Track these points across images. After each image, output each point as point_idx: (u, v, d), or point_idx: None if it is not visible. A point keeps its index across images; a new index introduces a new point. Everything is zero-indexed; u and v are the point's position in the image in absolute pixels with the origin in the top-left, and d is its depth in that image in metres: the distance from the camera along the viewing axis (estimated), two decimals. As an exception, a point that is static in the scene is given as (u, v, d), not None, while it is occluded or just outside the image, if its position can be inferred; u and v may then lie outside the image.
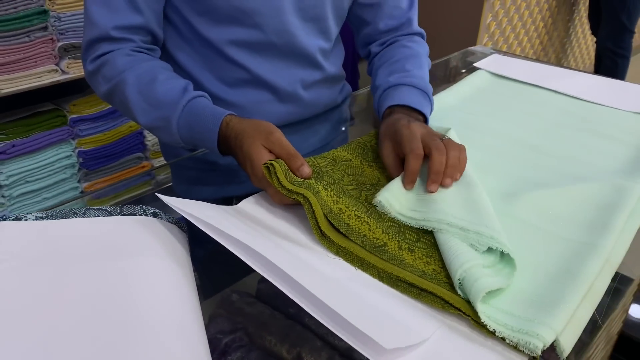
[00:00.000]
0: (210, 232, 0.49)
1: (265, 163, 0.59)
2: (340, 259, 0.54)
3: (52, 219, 0.51)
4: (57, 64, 1.48)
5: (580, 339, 0.46)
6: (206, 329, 0.59)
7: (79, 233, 0.49)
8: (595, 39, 2.98)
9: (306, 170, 0.60)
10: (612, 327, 0.90)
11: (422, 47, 0.88)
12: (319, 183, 0.60)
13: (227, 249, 0.48)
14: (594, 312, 0.48)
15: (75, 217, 0.51)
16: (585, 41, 3.36)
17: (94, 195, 1.32)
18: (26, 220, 0.50)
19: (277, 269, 0.45)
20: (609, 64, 2.80)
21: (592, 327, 0.49)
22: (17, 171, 1.49)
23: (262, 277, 0.57)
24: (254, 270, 0.57)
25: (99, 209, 0.53)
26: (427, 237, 0.57)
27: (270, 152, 0.62)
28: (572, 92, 0.94)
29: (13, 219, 0.50)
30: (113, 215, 0.52)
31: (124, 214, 0.53)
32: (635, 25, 2.69)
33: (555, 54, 3.13)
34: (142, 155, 1.77)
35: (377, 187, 0.66)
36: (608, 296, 0.52)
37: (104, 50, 0.73)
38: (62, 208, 0.53)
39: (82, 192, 1.66)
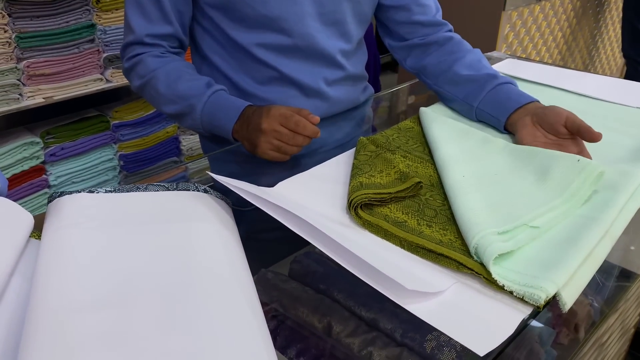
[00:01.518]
0: (255, 202, 0.56)
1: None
2: (367, 231, 0.60)
3: (119, 192, 0.59)
4: (102, 73, 1.59)
5: (591, 319, 0.51)
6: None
7: (142, 203, 0.57)
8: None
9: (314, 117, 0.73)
10: (627, 318, 0.93)
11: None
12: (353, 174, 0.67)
13: (262, 236, 0.55)
14: (595, 275, 0.54)
15: (139, 191, 0.59)
16: (606, 55, 3.36)
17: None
18: (98, 193, 0.58)
19: (316, 233, 0.52)
20: (632, 71, 2.83)
21: (602, 311, 0.54)
22: (65, 172, 1.60)
23: (295, 258, 0.64)
24: (288, 254, 0.64)
25: (158, 185, 0.60)
26: (443, 213, 0.63)
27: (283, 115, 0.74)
28: (581, 91, 0.99)
29: (87, 192, 0.58)
30: (170, 190, 0.60)
31: (180, 189, 0.60)
32: None
33: (575, 64, 3.15)
34: (178, 159, 1.87)
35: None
36: (620, 280, 0.56)
37: (137, 52, 0.87)
38: (127, 185, 0.60)
39: (121, 193, 1.76)
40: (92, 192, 0.58)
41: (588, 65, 3.29)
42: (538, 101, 0.82)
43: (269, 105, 0.78)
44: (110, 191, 0.58)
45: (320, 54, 0.90)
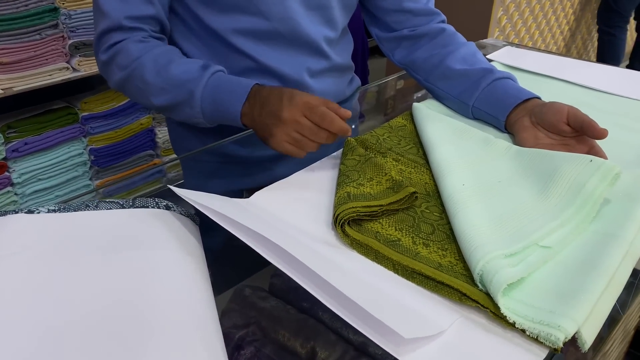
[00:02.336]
0: (222, 223, 0.48)
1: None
2: (355, 251, 0.53)
3: (64, 211, 0.50)
4: (68, 62, 1.48)
5: (598, 333, 0.45)
6: (220, 323, 0.58)
7: (91, 226, 0.49)
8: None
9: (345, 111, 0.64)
10: (629, 322, 0.88)
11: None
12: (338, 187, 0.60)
13: (240, 243, 0.48)
14: (615, 304, 0.47)
15: (88, 209, 0.51)
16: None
17: (105, 192, 1.33)
18: (38, 213, 0.50)
19: (290, 259, 0.45)
20: (600, 43, 3.04)
21: (611, 321, 0.48)
22: (30, 169, 1.50)
23: (275, 271, 0.56)
24: (267, 265, 0.57)
25: (111, 202, 0.52)
26: (442, 229, 0.56)
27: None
28: (586, 83, 0.93)
29: (25, 212, 0.49)
30: (125, 207, 0.52)
31: (137, 207, 0.52)
32: (622, 7, 2.83)
33: (567, 47, 3.09)
34: (153, 152, 1.78)
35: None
36: (626, 291, 0.50)
37: (116, 39, 0.74)
38: (74, 201, 0.52)
39: (94, 189, 1.67)
40: (32, 212, 0.49)
41: (582, 54, 3.24)
42: (538, 97, 0.75)
43: (288, 88, 0.67)
44: (54, 210, 0.50)
45: (303, 42, 0.81)
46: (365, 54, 2.33)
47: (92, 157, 1.63)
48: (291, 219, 0.58)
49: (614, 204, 0.58)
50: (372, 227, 0.56)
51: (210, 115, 0.72)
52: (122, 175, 1.67)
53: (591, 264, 0.49)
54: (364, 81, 2.36)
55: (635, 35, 2.99)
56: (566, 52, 3.10)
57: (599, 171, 0.58)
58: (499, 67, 0.99)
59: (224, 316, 0.57)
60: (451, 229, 0.56)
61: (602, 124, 0.66)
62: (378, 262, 0.52)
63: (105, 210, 0.51)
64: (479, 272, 0.47)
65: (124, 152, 1.67)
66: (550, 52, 1.08)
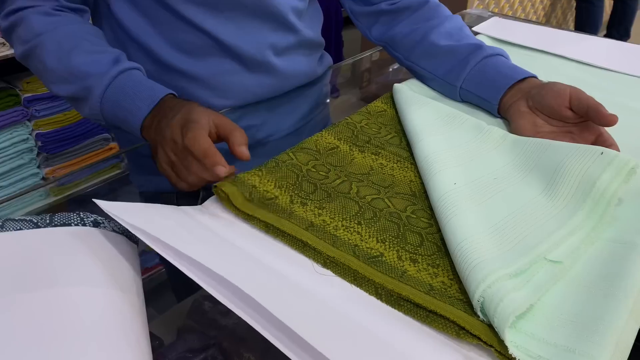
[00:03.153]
0: (157, 248, 0.39)
1: (216, 185, 0.50)
2: (329, 271, 0.45)
3: (-41, 235, 0.40)
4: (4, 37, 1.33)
5: None
6: (174, 347, 0.50)
7: (-7, 254, 0.39)
8: None
9: (245, 153, 0.53)
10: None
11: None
12: (296, 197, 0.51)
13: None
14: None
15: (-9, 231, 0.41)
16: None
17: (58, 182, 1.22)
18: None
19: (240, 292, 0.36)
20: (578, 12, 3.04)
21: (634, 352, 0.41)
22: (-33, 158, 1.37)
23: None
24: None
25: (22, 220, 0.42)
26: (431, 239, 0.48)
27: (214, 123, 0.55)
28: (583, 58, 0.85)
29: None
30: (41, 226, 0.42)
31: (56, 225, 0.42)
32: None
33: (547, 17, 3.03)
34: (109, 136, 1.64)
35: (370, 177, 0.56)
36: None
37: (19, 4, 0.63)
38: (-25, 219, 0.42)
39: (43, 178, 1.54)
40: None
41: (562, 24, 3.19)
42: (535, 76, 0.67)
43: (198, 105, 0.58)
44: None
45: (268, 12, 0.71)
46: (339, 25, 2.21)
47: (40, 143, 1.49)
48: (252, 230, 0.49)
49: (627, 205, 0.51)
50: (349, 239, 0.47)
51: (112, 122, 0.62)
52: (75, 163, 1.54)
53: (611, 282, 0.41)
54: (339, 53, 2.24)
55: (612, 2, 2.96)
56: (546, 22, 3.04)
57: (612, 166, 0.51)
58: (486, 41, 0.91)
59: (179, 337, 0.50)
60: (442, 238, 0.48)
61: (603, 103, 0.58)
62: (357, 285, 0.43)
63: (13, 231, 0.41)
64: (479, 298, 0.39)
65: (75, 136, 1.54)
66: (531, 21, 0.99)
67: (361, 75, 1.10)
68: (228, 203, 0.51)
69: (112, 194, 0.76)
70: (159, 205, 0.47)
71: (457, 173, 0.54)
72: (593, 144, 0.58)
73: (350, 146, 0.61)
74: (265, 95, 0.76)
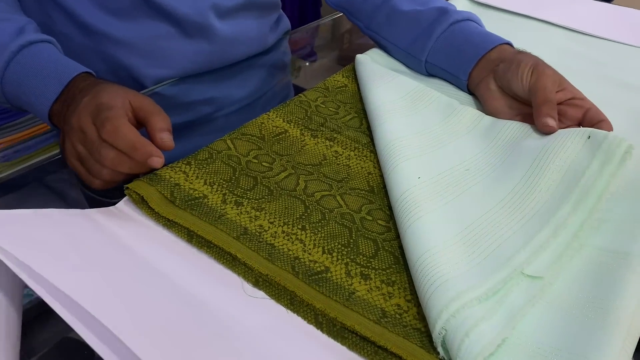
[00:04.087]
0: (22, 274, 0.30)
1: (127, 187, 0.43)
2: (262, 292, 0.37)
3: None
4: None
5: None
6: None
7: None
8: None
9: (166, 141, 0.44)
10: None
11: None
12: (230, 196, 0.43)
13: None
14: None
15: None
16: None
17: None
18: None
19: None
20: None
21: None
22: None
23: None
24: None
25: None
26: (388, 248, 0.41)
27: (131, 105, 0.46)
28: (572, 24, 0.77)
29: None
30: None
31: None
32: None
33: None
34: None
35: (321, 168, 0.48)
36: None
37: None
38: None
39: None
40: None
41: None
42: (509, 43, 0.59)
43: (106, 83, 0.49)
44: None
45: None
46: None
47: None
48: (171, 238, 0.41)
49: (618, 202, 0.44)
50: (289, 250, 0.39)
51: (16, 104, 0.52)
52: (17, 138, 1.42)
53: (600, 304, 0.35)
54: (316, 12, 2.10)
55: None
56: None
57: (601, 150, 0.44)
58: (462, 5, 0.82)
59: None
60: (401, 246, 0.40)
61: (600, 82, 0.51)
62: (295, 311, 0.36)
63: None
64: (440, 331, 0.32)
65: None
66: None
67: (341, 37, 1.02)
68: (144, 206, 0.42)
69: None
70: (50, 210, 0.38)
71: (423, 164, 0.47)
72: (581, 122, 0.50)
73: (301, 130, 0.53)
74: (208, 64, 0.66)
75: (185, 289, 0.36)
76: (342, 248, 0.40)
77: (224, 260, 0.39)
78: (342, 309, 0.35)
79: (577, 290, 0.36)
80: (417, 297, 0.36)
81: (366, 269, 0.39)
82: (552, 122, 0.48)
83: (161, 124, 0.45)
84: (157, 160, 0.43)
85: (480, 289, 0.35)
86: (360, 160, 0.50)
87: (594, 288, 0.36)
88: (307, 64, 0.91)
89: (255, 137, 0.51)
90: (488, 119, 0.52)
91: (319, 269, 0.38)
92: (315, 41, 0.94)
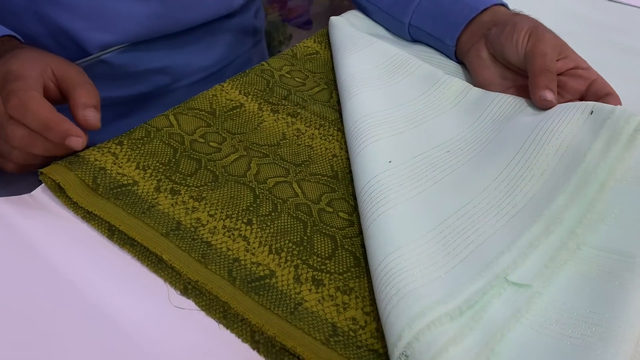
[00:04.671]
0: None
1: (42, 172, 0.36)
2: (191, 303, 0.31)
3: None
4: None
5: None
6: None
7: None
8: None
9: (90, 119, 0.38)
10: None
11: None
12: (165, 182, 0.37)
13: None
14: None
15: None
16: None
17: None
18: None
19: None
20: None
21: None
22: None
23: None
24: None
25: None
26: (348, 246, 0.35)
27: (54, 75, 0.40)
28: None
29: None
30: None
31: None
32: None
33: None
34: None
35: (278, 150, 0.42)
36: None
37: None
38: None
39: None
40: None
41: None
42: (504, 4, 0.51)
43: (23, 48, 0.42)
44: None
45: None
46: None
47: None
48: (91, 233, 0.35)
49: (623, 194, 0.37)
50: (229, 249, 0.33)
51: None
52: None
53: (600, 321, 0.29)
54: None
55: None
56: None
57: (606, 128, 0.38)
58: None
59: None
60: (364, 245, 0.34)
61: (600, 44, 0.44)
62: (227, 327, 0.30)
63: None
64: (400, 356, 0.26)
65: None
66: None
67: (339, 4, 0.95)
68: (61, 194, 0.36)
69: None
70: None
71: (396, 145, 0.40)
72: (584, 95, 0.44)
73: (260, 104, 0.46)
74: (160, 28, 0.59)
75: (91, 299, 0.30)
76: (294, 247, 0.34)
77: (148, 262, 0.32)
78: (283, 325, 0.29)
79: (572, 302, 0.30)
80: (377, 310, 0.30)
81: (320, 273, 0.32)
82: (550, 96, 0.41)
83: (85, 99, 0.39)
84: (77, 141, 0.36)
85: (452, 301, 0.28)
86: (325, 140, 0.43)
87: (593, 299, 0.30)
88: (261, 33, 0.82)
89: (204, 112, 0.44)
90: (476, 91, 0.45)
91: (261, 274, 0.32)
92: (311, 8, 0.88)
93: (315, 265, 0.33)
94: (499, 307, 0.30)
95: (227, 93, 0.47)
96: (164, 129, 0.42)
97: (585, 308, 0.30)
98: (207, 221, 0.35)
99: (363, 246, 0.34)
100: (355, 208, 0.37)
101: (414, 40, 0.57)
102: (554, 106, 0.41)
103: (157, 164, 0.39)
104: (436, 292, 0.29)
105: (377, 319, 0.30)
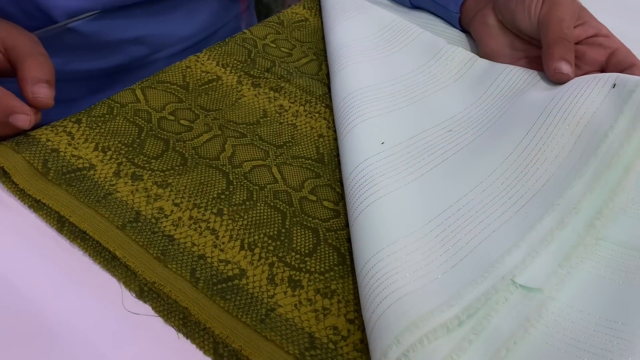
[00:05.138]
0: None
1: None
2: (148, 307, 0.27)
3: None
4: None
5: None
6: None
7: None
8: None
9: (40, 96, 0.33)
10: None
11: None
12: (127, 166, 0.32)
13: None
14: None
15: None
16: None
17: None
18: None
19: None
20: None
21: None
22: None
23: None
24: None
25: None
26: (332, 240, 0.30)
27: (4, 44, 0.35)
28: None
29: None
30: None
31: None
32: None
33: None
34: None
35: (258, 129, 0.37)
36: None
37: None
38: None
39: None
40: None
41: None
42: None
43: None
44: None
45: None
46: None
47: None
48: (40, 225, 0.31)
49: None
50: (194, 244, 0.29)
51: None
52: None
53: (622, 333, 0.25)
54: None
55: None
56: None
57: (631, 104, 0.33)
58: None
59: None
60: (349, 240, 0.30)
61: (624, 9, 0.39)
62: (188, 337, 0.26)
63: None
64: (386, 376, 0.22)
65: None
66: None
67: None
68: (6, 179, 0.32)
69: None
70: None
71: (390, 124, 0.35)
72: (605, 67, 0.39)
73: (239, 77, 0.42)
74: None
75: (31, 302, 0.26)
76: (269, 242, 0.30)
77: (101, 260, 0.28)
78: (251, 335, 0.25)
79: (590, 309, 0.26)
80: (362, 319, 0.26)
81: (298, 273, 0.28)
82: (566, 68, 0.36)
83: (36, 72, 0.34)
84: (23, 119, 0.32)
85: (450, 310, 0.24)
86: (311, 118, 0.39)
87: (615, 306, 0.26)
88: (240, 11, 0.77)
89: (176, 86, 0.40)
90: (482, 62, 0.41)
91: (230, 274, 0.28)
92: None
93: (293, 263, 0.29)
94: (504, 315, 0.26)
95: (202, 64, 0.42)
96: (129, 104, 0.37)
97: (606, 317, 0.26)
98: (171, 211, 0.31)
99: (349, 240, 0.30)
100: (342, 196, 0.33)
101: (414, 6, 0.51)
102: (570, 79, 0.36)
103: (119, 145, 0.34)
104: (431, 298, 0.25)
105: (362, 327, 0.26)
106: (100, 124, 0.36)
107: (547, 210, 0.29)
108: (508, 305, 0.26)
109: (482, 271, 0.27)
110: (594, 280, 0.28)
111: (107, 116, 0.36)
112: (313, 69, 0.44)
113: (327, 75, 0.43)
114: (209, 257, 0.28)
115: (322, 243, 0.30)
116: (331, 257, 0.29)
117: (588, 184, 0.30)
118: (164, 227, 0.30)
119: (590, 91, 0.34)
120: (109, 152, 0.34)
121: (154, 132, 0.36)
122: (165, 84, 0.40)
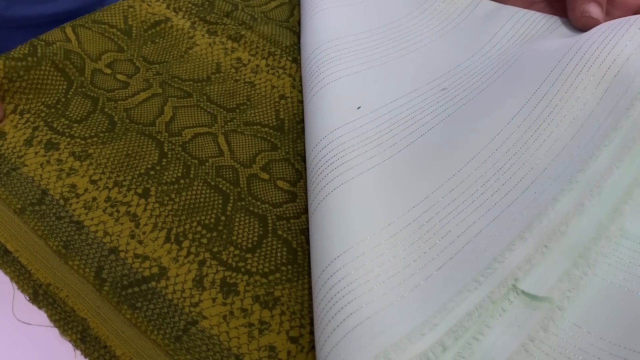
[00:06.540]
0: None
1: None
2: (43, 315, 0.22)
3: None
4: None
5: None
6: None
7: None
8: None
9: None
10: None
11: None
12: (42, 131, 0.27)
13: None
14: None
15: None
16: None
17: None
18: None
19: None
20: None
21: None
22: None
23: None
24: None
25: None
26: (284, 233, 0.25)
27: None
28: None
29: None
30: None
31: None
32: None
33: None
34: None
35: (207, 87, 0.31)
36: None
37: None
38: None
39: None
40: None
41: None
42: None
43: None
44: None
45: None
46: None
47: None
48: None
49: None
50: (107, 232, 0.24)
51: None
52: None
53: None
54: None
55: None
56: None
57: None
58: None
59: None
60: (305, 232, 0.25)
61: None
62: (86, 355, 0.21)
63: None
64: None
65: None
66: None
67: None
68: None
69: None
70: None
71: (371, 83, 0.29)
72: (637, 9, 0.32)
73: (193, 22, 0.35)
74: None
75: None
76: (204, 232, 0.24)
77: (-12, 253, 0.23)
78: (161, 358, 0.20)
79: (603, 331, 0.21)
80: (314, 335, 0.21)
81: (234, 274, 0.23)
82: (595, 11, 0.30)
83: None
84: None
85: (432, 332, 0.19)
86: (274, 74, 0.32)
87: (635, 328, 0.20)
88: None
89: (115, 30, 0.33)
90: (487, 5, 0.34)
91: (146, 273, 0.22)
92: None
93: (229, 261, 0.23)
94: (501, 332, 0.20)
95: (149, 5, 0.36)
96: (57, 42, 0.31)
97: (623, 344, 0.20)
98: (85, 190, 0.25)
99: (305, 232, 0.25)
100: (302, 175, 0.27)
101: None
102: (597, 25, 0.30)
103: (37, 107, 0.29)
104: (409, 315, 0.19)
105: (308, 349, 0.21)
106: (21, 73, 0.30)
107: (562, 190, 0.23)
108: (506, 319, 0.20)
109: (475, 275, 0.21)
110: (609, 290, 0.22)
111: (29, 59, 0.30)
112: (283, 14, 0.37)
113: (299, 22, 0.36)
114: (122, 251, 0.23)
115: (269, 235, 0.24)
116: (279, 254, 0.24)
117: (615, 154, 0.24)
118: (73, 210, 0.24)
119: (622, 35, 0.27)
120: (26, 115, 0.28)
121: (80, 91, 0.30)
122: (103, 26, 0.33)
